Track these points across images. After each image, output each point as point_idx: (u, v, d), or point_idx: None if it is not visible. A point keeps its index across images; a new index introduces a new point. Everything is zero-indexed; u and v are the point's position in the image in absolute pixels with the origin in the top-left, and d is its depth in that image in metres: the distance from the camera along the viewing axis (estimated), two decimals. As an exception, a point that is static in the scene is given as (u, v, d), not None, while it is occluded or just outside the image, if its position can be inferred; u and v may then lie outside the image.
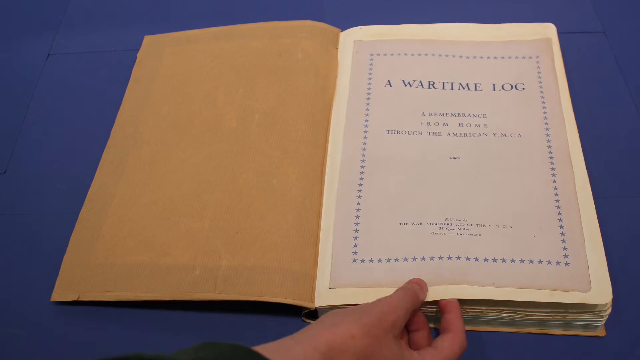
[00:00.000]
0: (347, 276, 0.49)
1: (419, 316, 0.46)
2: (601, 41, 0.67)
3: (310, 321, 0.50)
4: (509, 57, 0.63)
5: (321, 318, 0.41)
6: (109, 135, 0.61)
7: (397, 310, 0.42)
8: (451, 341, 0.43)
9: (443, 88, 0.61)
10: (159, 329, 0.51)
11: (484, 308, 0.47)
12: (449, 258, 0.49)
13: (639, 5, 0.70)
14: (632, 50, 0.66)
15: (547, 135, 0.56)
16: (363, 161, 0.56)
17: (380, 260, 0.50)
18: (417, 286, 0.46)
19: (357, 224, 0.52)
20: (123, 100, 0.63)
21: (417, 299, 0.45)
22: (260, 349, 0.36)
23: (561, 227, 0.50)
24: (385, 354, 0.40)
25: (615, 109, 0.61)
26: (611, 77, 0.64)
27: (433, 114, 0.59)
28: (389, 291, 0.48)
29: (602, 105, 0.61)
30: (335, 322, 0.39)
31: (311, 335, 0.38)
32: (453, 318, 0.45)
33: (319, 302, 0.49)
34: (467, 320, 0.48)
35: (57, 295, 0.52)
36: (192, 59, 0.65)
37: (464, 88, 0.61)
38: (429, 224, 0.52)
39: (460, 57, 0.63)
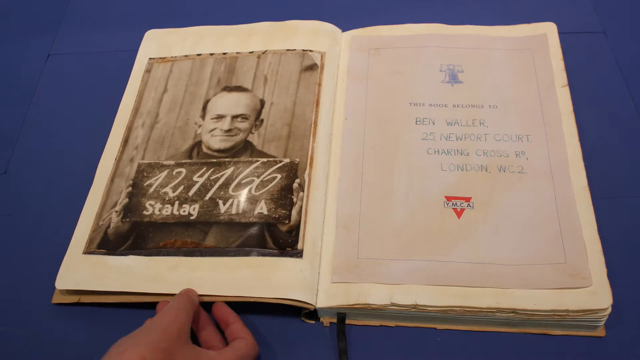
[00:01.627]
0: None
1: (202, 315, 0.48)
2: (601, 41, 0.67)
3: (310, 321, 0.50)
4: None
5: (107, 353, 0.41)
6: (108, 135, 0.61)
7: (178, 318, 0.44)
8: (246, 344, 0.46)
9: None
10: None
11: (484, 308, 0.47)
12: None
13: (639, 5, 0.70)
14: (632, 50, 0.66)
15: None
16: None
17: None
18: (188, 289, 0.48)
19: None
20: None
21: (193, 301, 0.47)
22: None
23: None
24: None
25: (615, 109, 0.61)
26: (611, 77, 0.64)
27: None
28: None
29: (602, 106, 0.61)
30: (120, 350, 0.40)
31: None
32: (239, 327, 0.47)
33: (319, 303, 0.49)
34: (467, 321, 0.48)
35: (58, 297, 0.52)
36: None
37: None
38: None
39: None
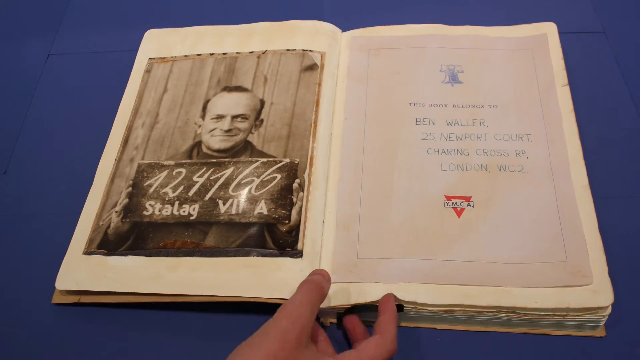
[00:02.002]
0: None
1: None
2: (601, 41, 0.67)
3: (310, 321, 0.50)
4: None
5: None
6: (108, 135, 0.61)
7: (300, 318, 0.41)
8: (376, 344, 0.42)
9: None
10: (159, 329, 0.51)
11: (485, 307, 0.47)
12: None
13: (639, 5, 0.70)
14: (632, 50, 0.66)
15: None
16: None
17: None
18: (319, 277, 0.45)
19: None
20: None
21: (323, 291, 0.44)
22: None
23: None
24: None
25: (615, 109, 0.61)
26: (611, 77, 0.64)
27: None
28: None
29: (602, 105, 0.61)
30: None
31: None
32: (385, 320, 0.44)
33: (318, 302, 0.49)
34: (467, 321, 0.48)
35: (58, 297, 0.52)
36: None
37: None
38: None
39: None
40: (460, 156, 0.56)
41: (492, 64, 0.62)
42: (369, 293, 0.48)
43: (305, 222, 0.53)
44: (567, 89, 0.59)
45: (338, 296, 0.48)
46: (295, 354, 0.39)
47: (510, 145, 0.56)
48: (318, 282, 0.44)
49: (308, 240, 0.52)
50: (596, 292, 0.46)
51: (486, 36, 0.64)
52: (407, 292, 0.48)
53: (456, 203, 0.53)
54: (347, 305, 0.48)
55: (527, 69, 0.61)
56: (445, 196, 0.53)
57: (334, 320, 0.50)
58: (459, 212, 0.52)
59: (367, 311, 0.49)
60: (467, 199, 0.53)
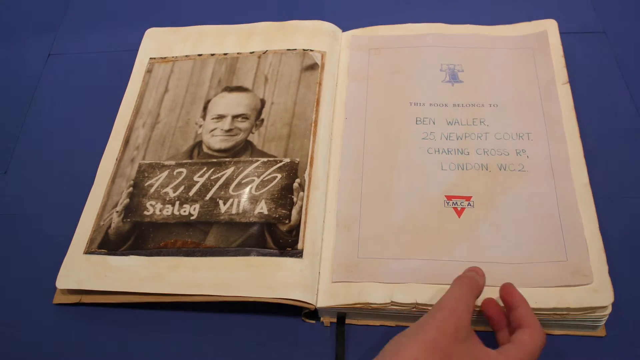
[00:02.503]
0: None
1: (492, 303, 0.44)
2: (601, 41, 0.67)
3: (311, 321, 0.50)
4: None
5: (382, 350, 0.39)
6: (109, 135, 0.61)
7: (456, 312, 0.40)
8: (530, 335, 0.40)
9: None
10: (159, 329, 0.51)
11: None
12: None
13: (639, 5, 0.70)
14: (632, 50, 0.66)
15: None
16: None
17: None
18: (473, 273, 0.44)
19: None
20: None
21: (478, 286, 0.43)
22: None
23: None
24: None
25: (615, 109, 0.61)
26: (611, 77, 0.64)
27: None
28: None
29: (602, 105, 0.61)
30: (395, 350, 0.38)
31: None
32: (524, 312, 0.42)
33: (319, 302, 0.49)
34: (467, 320, 0.48)
35: (59, 297, 0.52)
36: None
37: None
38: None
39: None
40: (461, 155, 0.56)
41: (492, 63, 0.62)
42: (370, 293, 0.48)
43: (305, 222, 0.53)
44: (567, 87, 0.59)
45: (338, 296, 0.48)
46: (453, 345, 0.38)
47: (510, 144, 0.56)
48: (472, 277, 0.43)
49: (308, 240, 0.52)
50: (596, 292, 0.46)
51: (486, 35, 0.64)
52: (408, 292, 0.48)
53: (456, 203, 0.53)
54: (346, 304, 0.48)
55: (527, 67, 0.61)
56: (445, 196, 0.53)
57: (334, 320, 0.50)
58: (459, 212, 0.52)
59: (369, 316, 0.49)
60: (468, 198, 0.53)
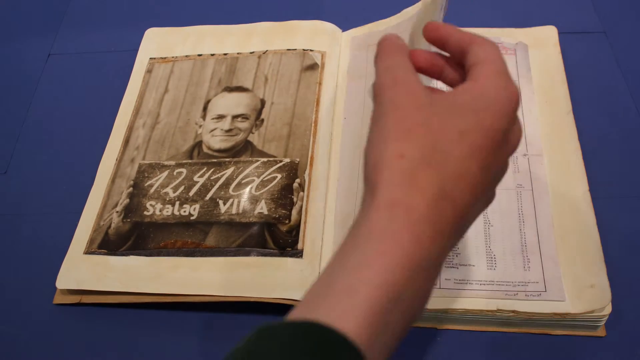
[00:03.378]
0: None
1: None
2: (601, 41, 0.67)
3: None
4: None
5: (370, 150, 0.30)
6: (109, 135, 0.61)
7: (404, 82, 0.30)
8: (481, 46, 0.31)
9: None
10: (159, 329, 0.51)
11: (485, 309, 0.47)
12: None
13: (639, 5, 0.70)
14: (632, 50, 0.66)
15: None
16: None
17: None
18: (385, 37, 0.34)
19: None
20: None
21: (400, 43, 0.33)
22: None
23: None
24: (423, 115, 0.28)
25: (615, 109, 0.61)
26: (611, 77, 0.64)
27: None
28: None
29: (602, 105, 0.61)
30: (367, 162, 0.29)
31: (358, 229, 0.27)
32: (460, 36, 0.32)
33: (319, 302, 0.49)
34: (467, 320, 0.48)
35: (59, 297, 0.52)
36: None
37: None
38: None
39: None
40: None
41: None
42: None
43: (305, 222, 0.53)
44: (566, 91, 0.59)
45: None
46: (427, 112, 0.29)
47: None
48: (388, 39, 0.33)
49: (308, 240, 0.52)
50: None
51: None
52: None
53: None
54: None
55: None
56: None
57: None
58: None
59: None
60: None
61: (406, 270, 0.25)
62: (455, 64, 0.34)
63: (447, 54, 0.34)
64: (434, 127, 0.28)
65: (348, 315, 0.23)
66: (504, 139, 0.29)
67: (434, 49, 0.34)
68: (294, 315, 0.25)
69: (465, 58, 0.32)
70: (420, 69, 0.33)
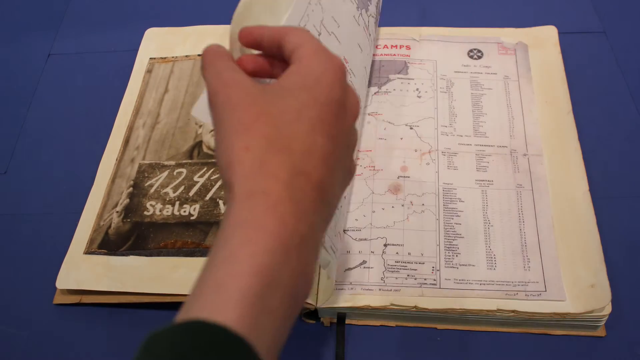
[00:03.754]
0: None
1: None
2: (601, 41, 0.67)
3: (311, 321, 0.50)
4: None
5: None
6: (109, 135, 0.61)
7: (217, 86, 0.31)
8: (295, 36, 0.32)
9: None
10: (160, 329, 0.50)
11: (485, 309, 0.47)
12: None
13: (639, 5, 0.70)
14: (632, 50, 0.66)
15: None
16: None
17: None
18: (206, 49, 0.35)
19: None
20: None
21: (221, 50, 0.35)
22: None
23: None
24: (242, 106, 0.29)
25: (615, 109, 0.61)
26: (611, 77, 0.64)
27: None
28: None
29: (602, 105, 0.61)
30: (218, 158, 0.29)
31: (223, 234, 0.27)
32: (272, 32, 0.33)
33: (319, 303, 0.49)
34: (467, 320, 0.48)
35: (60, 297, 0.52)
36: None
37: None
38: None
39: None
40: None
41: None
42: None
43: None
44: (566, 91, 0.59)
45: (338, 298, 0.48)
46: (254, 109, 0.29)
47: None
48: (210, 49, 0.35)
49: (308, 240, 0.52)
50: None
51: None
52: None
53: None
54: (346, 305, 0.48)
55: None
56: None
57: (334, 320, 0.50)
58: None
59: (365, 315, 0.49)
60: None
61: (276, 253, 0.25)
62: (281, 61, 0.34)
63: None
64: (272, 114, 0.29)
65: (225, 308, 0.24)
66: (342, 107, 0.30)
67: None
68: (178, 317, 0.26)
69: (284, 49, 0.32)
70: (250, 73, 0.34)
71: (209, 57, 0.33)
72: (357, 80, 0.53)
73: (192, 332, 0.24)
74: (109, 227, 0.54)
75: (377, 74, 0.62)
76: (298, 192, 0.27)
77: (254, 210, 0.26)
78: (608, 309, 0.46)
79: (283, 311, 0.26)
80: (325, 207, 0.29)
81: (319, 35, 0.44)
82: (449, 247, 0.50)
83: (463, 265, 0.49)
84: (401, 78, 0.61)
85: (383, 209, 0.53)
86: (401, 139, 0.57)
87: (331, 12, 0.47)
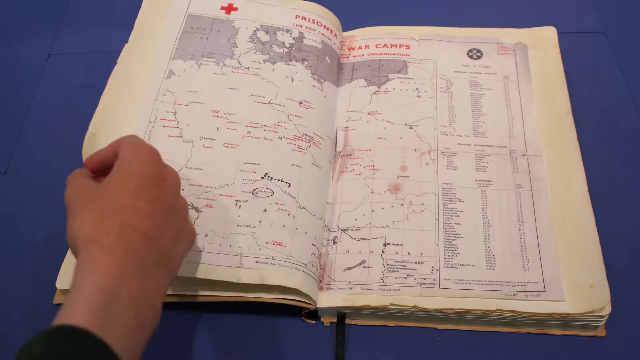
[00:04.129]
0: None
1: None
2: (601, 41, 0.67)
3: (310, 321, 0.50)
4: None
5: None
6: (109, 135, 0.61)
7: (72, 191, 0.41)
8: (122, 149, 0.41)
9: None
10: (159, 329, 0.50)
11: (485, 309, 0.47)
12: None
13: (639, 5, 0.70)
14: (632, 50, 0.66)
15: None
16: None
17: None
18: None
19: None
20: None
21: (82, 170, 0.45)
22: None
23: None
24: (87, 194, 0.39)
25: (615, 109, 0.61)
26: (611, 77, 0.64)
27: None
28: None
29: (602, 106, 0.61)
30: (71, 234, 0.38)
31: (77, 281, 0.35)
32: (105, 152, 0.43)
33: (319, 303, 0.49)
34: (467, 320, 0.48)
35: (60, 297, 0.52)
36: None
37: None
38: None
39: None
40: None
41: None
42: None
43: (305, 222, 0.53)
44: (566, 90, 0.59)
45: (338, 299, 0.48)
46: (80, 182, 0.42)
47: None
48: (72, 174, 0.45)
49: (308, 240, 0.52)
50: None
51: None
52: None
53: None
54: (346, 305, 0.48)
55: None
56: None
57: (334, 320, 0.50)
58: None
59: (367, 316, 0.49)
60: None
61: (109, 278, 0.34)
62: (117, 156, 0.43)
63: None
64: (102, 194, 0.39)
65: (77, 315, 0.33)
66: (160, 179, 0.40)
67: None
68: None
69: (118, 154, 0.42)
70: (93, 171, 0.45)
71: (71, 176, 0.44)
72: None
73: (51, 335, 0.34)
74: (109, 227, 0.54)
75: (376, 73, 0.62)
76: (127, 239, 0.36)
77: (94, 254, 0.35)
78: (607, 309, 0.46)
79: (126, 320, 0.34)
80: (155, 251, 0.38)
81: None
82: (448, 247, 0.51)
83: (462, 265, 0.49)
84: (400, 77, 0.61)
85: (382, 208, 0.53)
86: (401, 138, 0.57)
87: None
